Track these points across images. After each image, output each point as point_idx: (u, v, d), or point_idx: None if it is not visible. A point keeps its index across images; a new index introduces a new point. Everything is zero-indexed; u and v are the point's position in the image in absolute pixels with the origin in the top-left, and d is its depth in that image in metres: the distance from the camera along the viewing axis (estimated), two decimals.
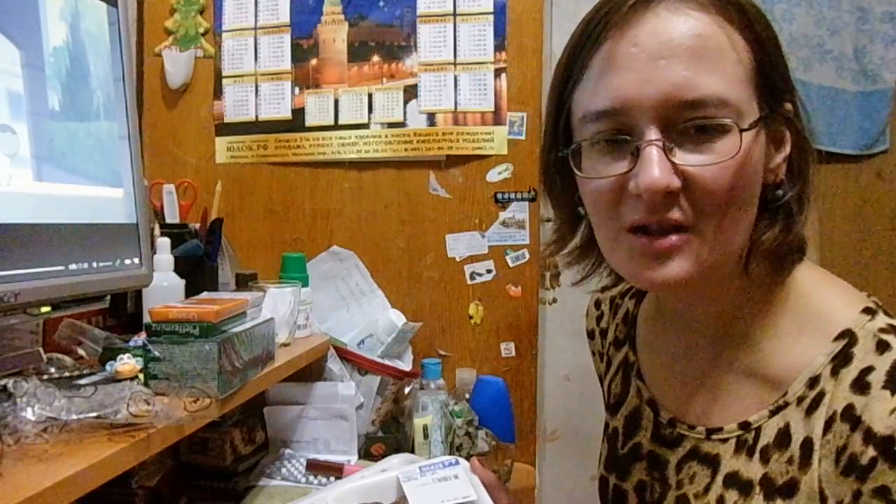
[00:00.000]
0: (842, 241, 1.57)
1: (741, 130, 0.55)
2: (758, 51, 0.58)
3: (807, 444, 0.57)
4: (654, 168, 0.54)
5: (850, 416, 0.54)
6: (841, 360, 0.57)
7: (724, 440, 0.63)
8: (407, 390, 1.44)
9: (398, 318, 1.53)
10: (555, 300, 1.61)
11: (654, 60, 0.55)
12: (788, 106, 0.60)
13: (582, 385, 1.60)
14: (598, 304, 0.87)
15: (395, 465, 0.84)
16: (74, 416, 0.66)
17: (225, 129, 1.67)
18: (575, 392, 1.60)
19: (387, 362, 1.44)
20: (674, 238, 0.56)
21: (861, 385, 0.55)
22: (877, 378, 0.54)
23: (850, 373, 0.56)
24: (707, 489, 0.63)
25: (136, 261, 0.93)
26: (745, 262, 0.60)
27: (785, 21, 1.53)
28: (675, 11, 0.56)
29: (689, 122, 0.55)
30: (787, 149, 0.60)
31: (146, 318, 0.86)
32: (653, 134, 0.55)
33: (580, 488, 1.59)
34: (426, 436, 1.38)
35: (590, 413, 1.60)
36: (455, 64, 1.59)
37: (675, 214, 0.56)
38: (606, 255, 0.64)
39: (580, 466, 1.58)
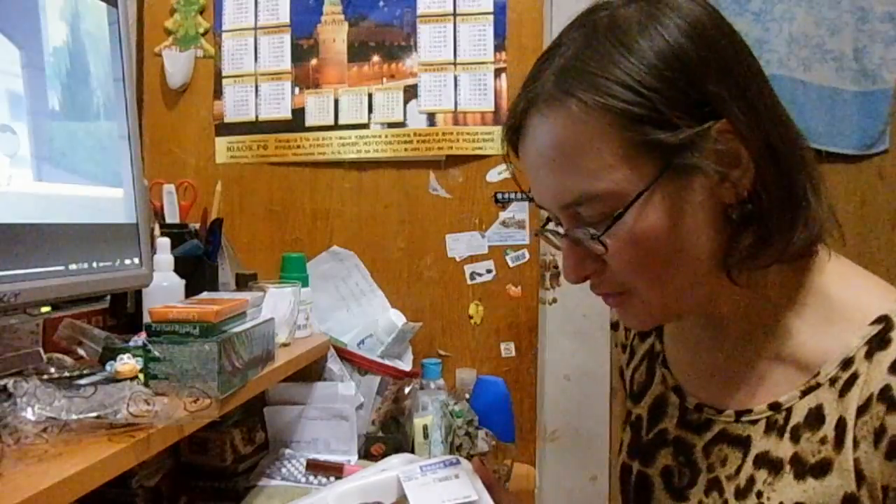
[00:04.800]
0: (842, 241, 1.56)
1: (615, 218, 0.58)
2: (638, 112, 0.55)
3: (840, 425, 0.57)
4: (566, 263, 0.63)
5: (887, 397, 0.55)
6: (877, 343, 0.57)
7: (754, 421, 0.63)
8: (407, 390, 1.44)
9: (398, 318, 1.53)
10: (555, 300, 1.61)
11: (536, 173, 0.62)
12: (722, 124, 0.57)
13: (582, 385, 1.59)
14: None
15: (395, 465, 0.84)
16: (74, 416, 0.66)
17: (225, 129, 1.67)
18: (575, 392, 1.60)
19: (387, 362, 1.44)
20: (612, 300, 0.64)
21: None
22: None
23: (888, 355, 0.56)
24: (738, 470, 0.63)
25: (136, 261, 0.93)
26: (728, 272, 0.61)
27: (785, 21, 1.53)
28: (540, 122, 0.60)
29: (576, 218, 0.61)
30: (745, 161, 0.58)
31: (146, 318, 0.86)
32: (563, 227, 0.63)
33: (580, 488, 1.59)
34: (426, 436, 1.38)
35: (590, 413, 1.60)
36: (455, 64, 1.59)
37: (607, 286, 0.63)
38: None
39: (580, 466, 1.58)
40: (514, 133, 0.64)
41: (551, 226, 0.66)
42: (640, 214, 0.57)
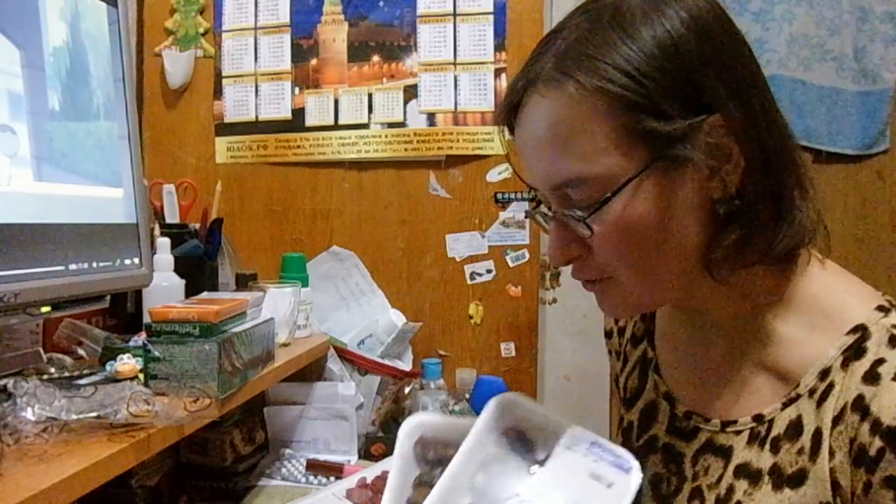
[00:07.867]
0: (842, 241, 1.56)
1: (602, 202, 0.58)
2: (634, 99, 0.56)
3: (817, 435, 0.58)
4: (551, 245, 0.63)
5: (860, 407, 0.55)
6: (852, 352, 0.58)
7: (738, 432, 0.64)
8: (407, 390, 1.44)
9: (398, 318, 1.53)
10: (555, 300, 1.61)
11: (530, 152, 0.63)
12: (715, 118, 0.57)
13: (582, 385, 1.59)
14: None
15: (572, 426, 0.67)
16: (74, 416, 0.66)
17: (225, 129, 1.67)
18: (575, 392, 1.60)
19: (387, 362, 1.44)
20: (591, 286, 0.65)
21: (872, 376, 0.55)
22: (887, 370, 0.55)
23: (862, 365, 0.56)
24: (719, 479, 0.63)
25: (136, 261, 0.93)
26: (711, 270, 0.61)
27: (785, 21, 1.53)
28: (537, 101, 0.60)
29: (565, 200, 0.61)
30: (735, 157, 0.58)
31: (146, 318, 0.86)
32: (552, 208, 0.63)
33: None
34: None
35: (590, 413, 1.60)
36: (455, 64, 1.59)
37: (588, 273, 0.63)
38: None
39: None
40: (511, 111, 0.64)
41: (542, 208, 0.67)
42: (628, 201, 0.58)
